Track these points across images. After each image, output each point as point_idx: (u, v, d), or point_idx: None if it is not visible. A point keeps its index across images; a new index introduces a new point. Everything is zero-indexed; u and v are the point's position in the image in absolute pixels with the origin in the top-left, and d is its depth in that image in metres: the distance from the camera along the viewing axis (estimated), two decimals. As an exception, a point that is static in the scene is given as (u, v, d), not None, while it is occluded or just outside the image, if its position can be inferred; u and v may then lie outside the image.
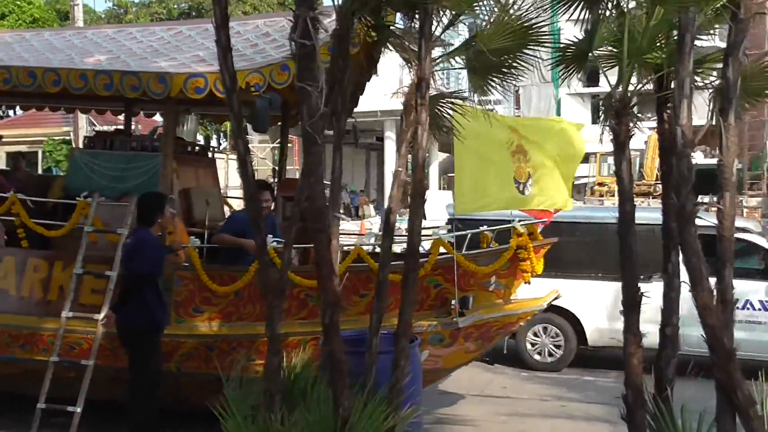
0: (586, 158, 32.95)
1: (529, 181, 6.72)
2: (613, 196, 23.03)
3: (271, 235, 6.56)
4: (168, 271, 6.46)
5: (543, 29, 4.52)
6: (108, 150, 7.68)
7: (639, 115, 4.04)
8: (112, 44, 7.48)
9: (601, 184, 23.76)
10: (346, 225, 24.46)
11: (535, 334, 9.49)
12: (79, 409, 5.95)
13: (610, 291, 8.40)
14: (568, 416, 7.56)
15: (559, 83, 56.68)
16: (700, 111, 4.34)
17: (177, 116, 7.15)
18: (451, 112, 5.16)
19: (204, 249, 6.93)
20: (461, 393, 8.37)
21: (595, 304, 9.13)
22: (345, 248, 6.82)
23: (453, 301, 6.30)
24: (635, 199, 17.60)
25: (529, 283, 6.79)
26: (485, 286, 6.80)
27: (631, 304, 3.38)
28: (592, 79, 57.18)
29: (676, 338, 3.47)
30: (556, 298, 6.98)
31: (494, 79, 4.72)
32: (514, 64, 4.62)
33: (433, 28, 4.24)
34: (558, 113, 55.11)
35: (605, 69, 4.11)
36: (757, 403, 3.10)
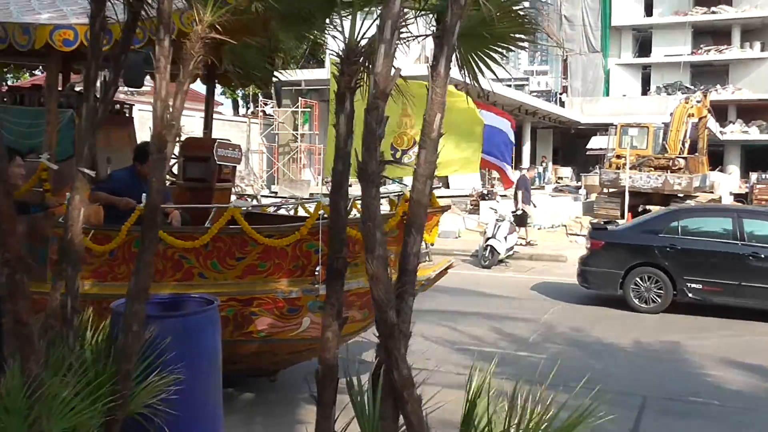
0: (605, 129, 31.88)
1: (414, 148, 6.34)
2: (632, 168, 22.24)
3: (145, 195, 6.46)
4: (45, 228, 6.39)
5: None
6: (18, 105, 7.62)
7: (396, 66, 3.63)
8: (13, -6, 7.33)
9: (619, 156, 22.93)
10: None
11: None
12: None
13: None
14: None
15: (608, 53, 55.34)
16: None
17: (58, 71, 6.95)
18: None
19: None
20: (378, 364, 8.13)
21: None
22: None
23: (317, 268, 6.04)
24: (652, 173, 16.89)
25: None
26: (372, 254, 6.49)
27: (335, 272, 3.07)
28: (643, 50, 55.70)
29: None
30: (448, 268, 6.64)
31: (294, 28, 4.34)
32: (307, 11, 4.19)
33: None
34: (607, 83, 53.59)
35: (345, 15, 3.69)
36: (415, 386, 2.77)
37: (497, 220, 15.99)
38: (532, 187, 36.46)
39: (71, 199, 3.91)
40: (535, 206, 20.92)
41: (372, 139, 2.79)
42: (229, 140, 7.58)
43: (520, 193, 18.61)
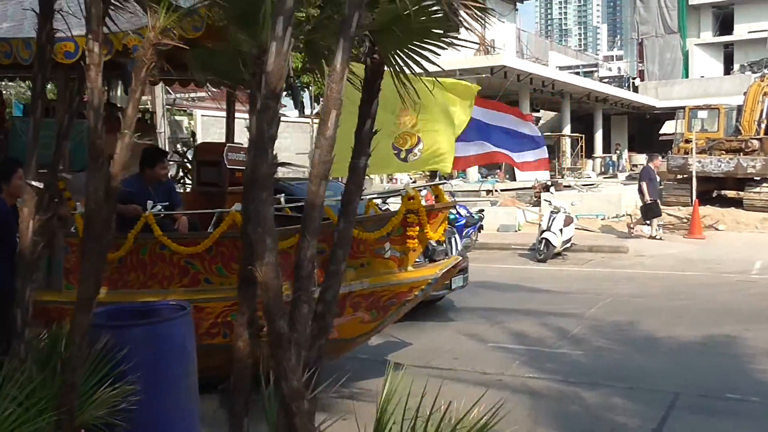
0: (673, 114, 30.63)
1: (418, 146, 6.18)
2: (702, 152, 21.30)
3: (151, 201, 6.50)
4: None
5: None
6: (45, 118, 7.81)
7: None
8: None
9: (687, 141, 21.95)
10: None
11: None
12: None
13: None
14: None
15: (687, 33, 53.17)
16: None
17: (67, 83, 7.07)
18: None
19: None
20: (407, 364, 7.96)
21: None
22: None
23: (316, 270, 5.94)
24: (723, 156, 16.19)
25: (415, 250, 6.29)
26: (378, 253, 6.37)
27: (246, 280, 2.95)
28: (724, 27, 53.34)
29: (327, 318, 2.99)
30: (456, 266, 6.44)
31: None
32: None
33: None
34: (686, 65, 51.61)
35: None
36: (305, 398, 2.60)
37: (552, 212, 15.57)
38: (605, 176, 35.53)
39: (20, 212, 3.93)
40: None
41: (262, 141, 2.66)
42: (241, 144, 7.58)
43: (644, 185, 17.36)
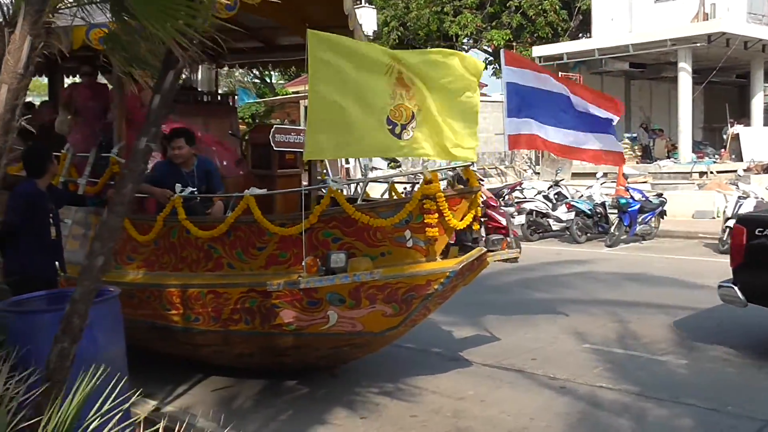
0: None
1: (412, 123, 5.49)
2: None
3: (179, 185, 6.50)
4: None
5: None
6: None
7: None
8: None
9: None
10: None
11: None
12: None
13: None
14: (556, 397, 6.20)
15: None
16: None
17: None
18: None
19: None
20: (475, 362, 7.35)
21: None
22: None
23: (305, 259, 5.59)
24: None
25: (437, 239, 5.67)
26: (400, 242, 5.85)
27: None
28: None
29: (73, 319, 2.64)
30: (481, 257, 5.73)
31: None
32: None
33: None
34: None
35: None
36: None
37: (739, 197, 13.66)
38: None
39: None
40: None
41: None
42: (291, 126, 7.38)
43: None
